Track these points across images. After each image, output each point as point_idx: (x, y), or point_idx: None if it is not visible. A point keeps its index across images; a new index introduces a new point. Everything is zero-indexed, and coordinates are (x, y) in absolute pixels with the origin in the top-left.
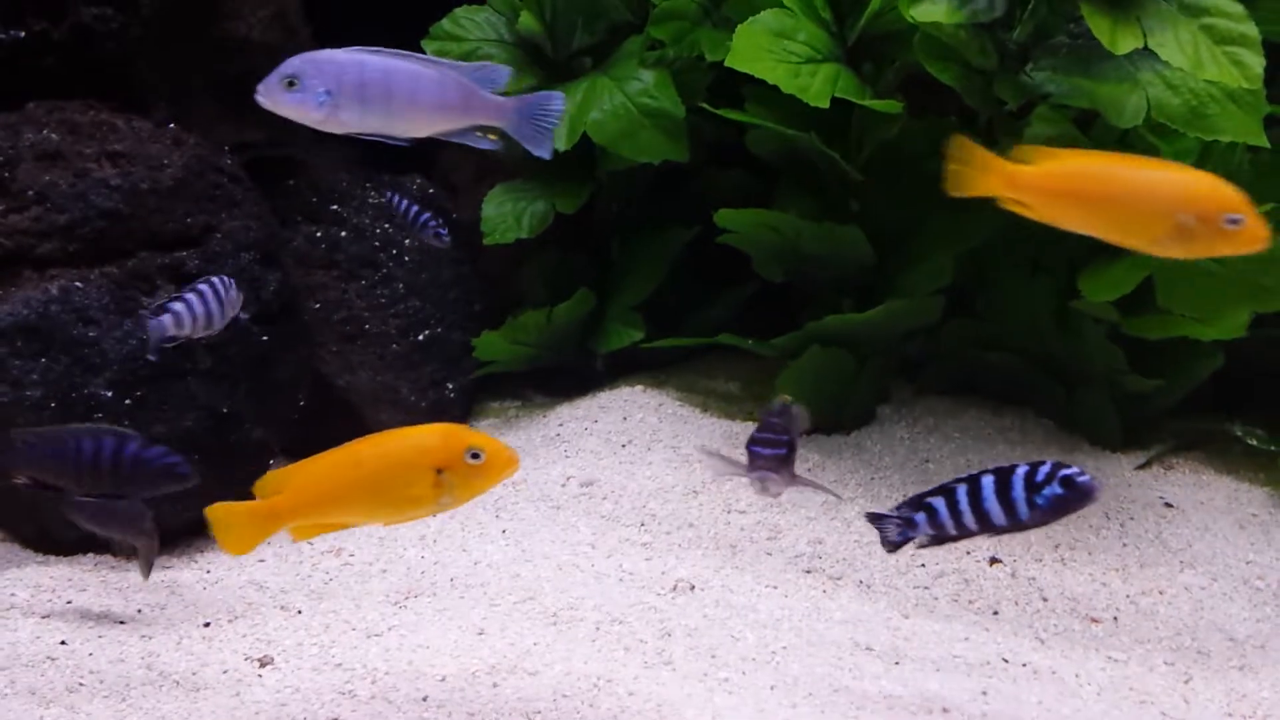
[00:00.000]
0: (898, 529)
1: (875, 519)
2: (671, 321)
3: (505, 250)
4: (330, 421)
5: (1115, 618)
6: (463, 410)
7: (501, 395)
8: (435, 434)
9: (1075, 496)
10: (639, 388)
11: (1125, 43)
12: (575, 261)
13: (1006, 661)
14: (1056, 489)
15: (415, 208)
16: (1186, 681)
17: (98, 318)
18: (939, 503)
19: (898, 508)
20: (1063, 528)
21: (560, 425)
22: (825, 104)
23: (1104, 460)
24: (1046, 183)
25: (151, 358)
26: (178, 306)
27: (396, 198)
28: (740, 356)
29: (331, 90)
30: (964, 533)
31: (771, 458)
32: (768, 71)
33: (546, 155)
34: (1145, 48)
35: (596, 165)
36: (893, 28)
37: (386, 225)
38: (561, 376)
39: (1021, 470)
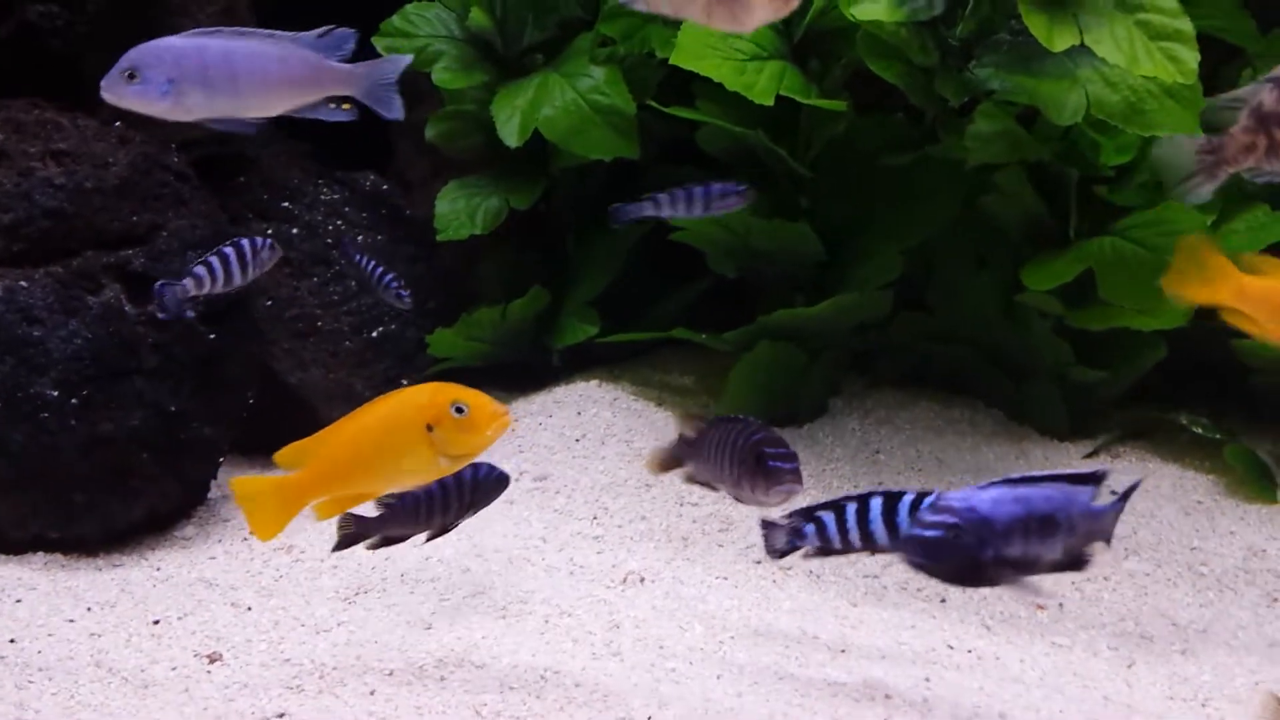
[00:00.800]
0: (786, 538)
1: (766, 526)
2: (626, 316)
3: (460, 246)
4: (283, 419)
5: (1060, 604)
6: None
7: None
8: (423, 391)
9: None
10: (594, 382)
11: (1062, 40)
12: (530, 258)
13: (951, 648)
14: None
15: (379, 268)
16: (1129, 666)
17: (42, 317)
18: (828, 517)
19: (788, 517)
20: None
21: (515, 420)
22: (770, 101)
23: (1052, 449)
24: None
25: (163, 316)
26: (200, 270)
27: (361, 258)
28: (694, 351)
29: (174, 78)
30: (848, 548)
31: (793, 471)
32: (712, 69)
33: (398, 116)
34: (1083, 44)
35: (550, 162)
36: (837, 25)
37: (339, 221)
38: (517, 372)
39: (908, 497)
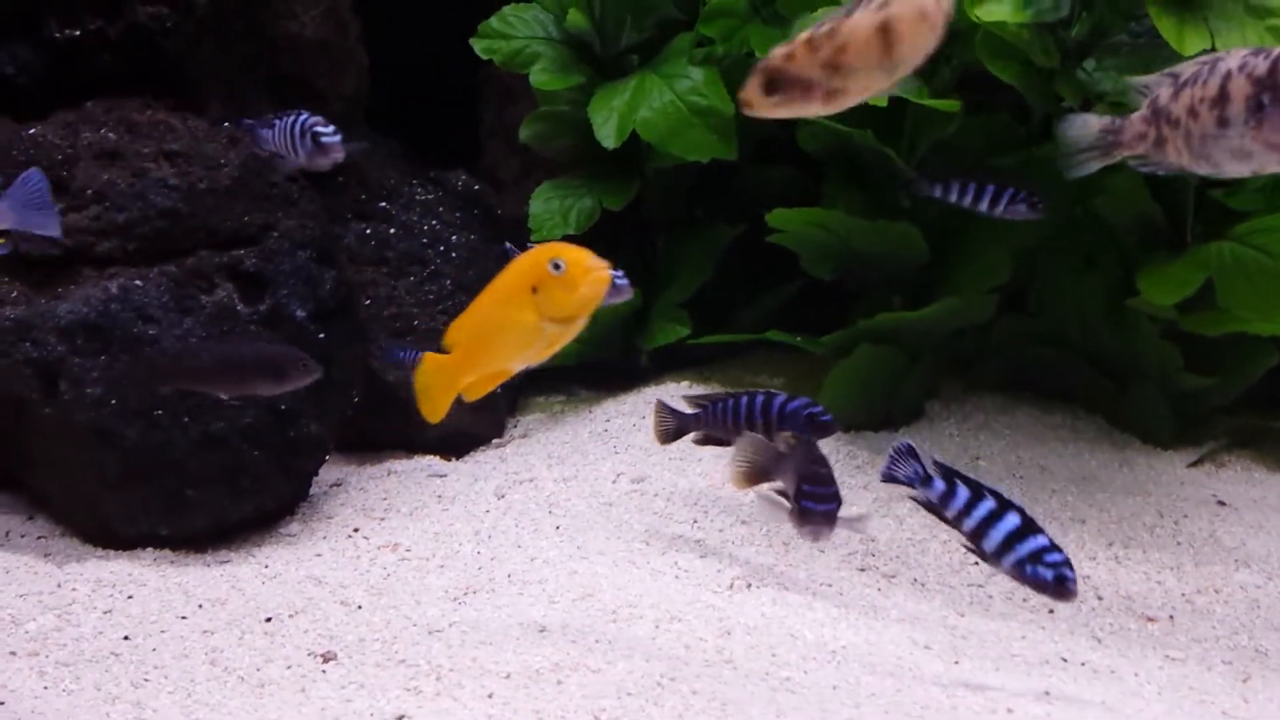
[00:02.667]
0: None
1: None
2: (717, 317)
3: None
4: (380, 416)
5: (1171, 616)
6: (509, 405)
7: (546, 390)
8: (529, 253)
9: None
10: (685, 383)
11: (1193, 43)
12: (621, 257)
13: (1065, 661)
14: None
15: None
16: (1245, 680)
17: (157, 315)
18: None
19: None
20: (1116, 525)
21: (608, 421)
22: (883, 102)
23: (1155, 458)
24: None
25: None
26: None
27: (399, 353)
28: (784, 352)
29: None
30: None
31: (824, 514)
32: None
33: (56, 234)
34: (1211, 48)
35: (644, 162)
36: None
37: (434, 222)
38: (607, 371)
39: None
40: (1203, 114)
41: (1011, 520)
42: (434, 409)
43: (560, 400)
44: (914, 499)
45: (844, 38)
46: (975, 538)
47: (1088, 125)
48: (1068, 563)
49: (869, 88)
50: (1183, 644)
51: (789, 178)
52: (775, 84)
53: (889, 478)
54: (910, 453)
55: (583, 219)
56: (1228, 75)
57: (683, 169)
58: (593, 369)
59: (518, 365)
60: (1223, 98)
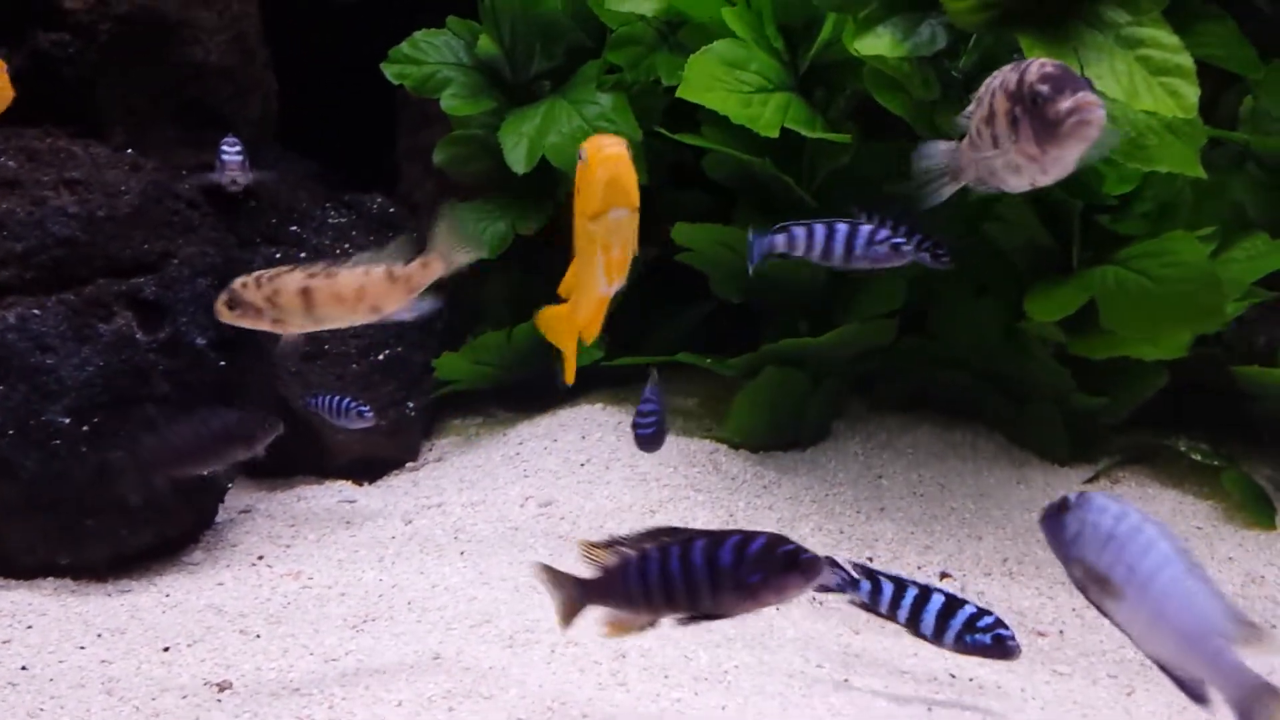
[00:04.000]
0: None
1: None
2: (632, 338)
3: (466, 269)
4: (290, 441)
5: (1061, 631)
6: (424, 428)
7: (465, 412)
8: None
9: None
10: (599, 405)
11: None
12: (535, 280)
13: (954, 676)
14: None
15: (335, 399)
16: (1129, 694)
17: (55, 345)
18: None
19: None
20: (1011, 542)
21: (520, 444)
22: (775, 133)
23: (1052, 474)
24: None
25: None
26: None
27: (313, 400)
28: (699, 373)
29: None
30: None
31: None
32: (719, 102)
33: None
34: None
35: (556, 187)
36: (843, 57)
37: (346, 245)
38: (524, 393)
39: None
40: (983, 134)
41: (937, 600)
42: (568, 352)
43: (477, 423)
44: (851, 602)
45: (277, 285)
46: (912, 625)
47: (936, 152)
48: (1000, 623)
49: (303, 325)
50: (1070, 658)
51: (701, 202)
52: (234, 303)
53: (821, 589)
54: (832, 563)
55: (496, 242)
56: (992, 93)
57: None
58: (508, 391)
59: (604, 286)
60: (991, 116)
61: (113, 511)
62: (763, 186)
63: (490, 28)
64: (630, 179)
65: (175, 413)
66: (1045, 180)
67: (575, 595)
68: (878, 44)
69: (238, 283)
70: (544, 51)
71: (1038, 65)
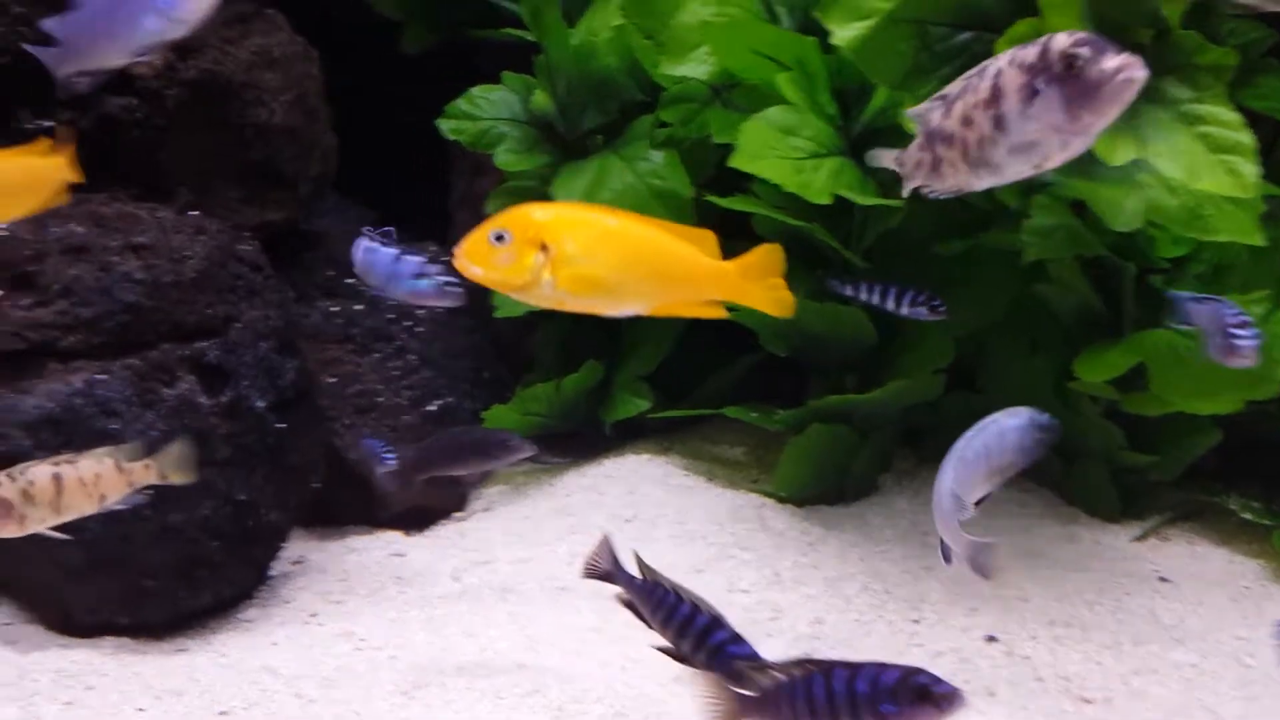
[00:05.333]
0: None
1: None
2: (678, 389)
3: (516, 317)
4: (341, 493)
5: (1108, 698)
6: (473, 478)
7: None
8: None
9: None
10: (645, 456)
11: (1123, 153)
12: (584, 329)
13: None
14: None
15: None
16: None
17: (120, 409)
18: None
19: None
20: (1058, 604)
21: (567, 496)
22: (828, 200)
23: (1101, 532)
24: None
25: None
26: None
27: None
28: (743, 424)
29: None
30: None
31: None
32: (770, 170)
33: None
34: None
35: None
36: (897, 121)
37: None
38: (571, 439)
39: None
40: (978, 119)
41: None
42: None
43: (523, 471)
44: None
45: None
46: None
47: (879, 160)
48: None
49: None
50: None
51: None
52: None
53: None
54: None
55: None
56: (998, 73)
57: None
58: (556, 438)
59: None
60: (996, 96)
61: (173, 574)
62: (811, 246)
63: (545, 84)
64: None
65: (238, 472)
66: (1050, 163)
67: (733, 710)
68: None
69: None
70: (598, 107)
71: (1066, 34)
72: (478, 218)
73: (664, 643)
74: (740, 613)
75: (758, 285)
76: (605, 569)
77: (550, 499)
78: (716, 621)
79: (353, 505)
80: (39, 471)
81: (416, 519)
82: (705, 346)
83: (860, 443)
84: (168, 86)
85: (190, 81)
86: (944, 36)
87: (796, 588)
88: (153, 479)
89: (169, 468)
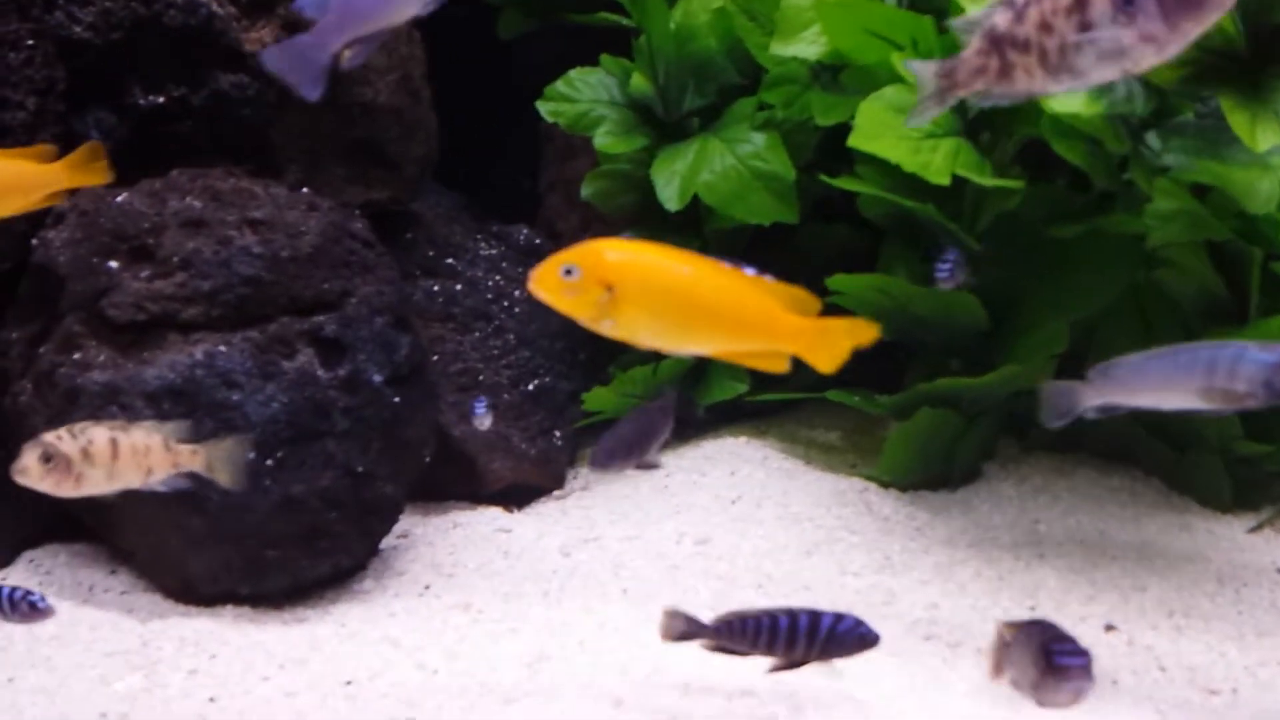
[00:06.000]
0: None
1: None
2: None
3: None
4: (444, 469)
5: (1234, 689)
6: (569, 456)
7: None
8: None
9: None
10: (743, 439)
11: (1265, 139)
12: None
13: None
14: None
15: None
16: None
17: (240, 381)
18: None
19: None
20: (1176, 594)
21: (667, 476)
22: (946, 181)
23: (1215, 522)
24: None
25: None
26: None
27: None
28: (838, 407)
29: None
30: None
31: (1084, 667)
32: (889, 149)
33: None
34: None
35: (702, 222)
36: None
37: (498, 277)
38: None
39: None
40: (1059, 25)
41: None
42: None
43: None
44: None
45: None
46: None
47: (923, 73)
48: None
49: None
50: (1246, 718)
51: (846, 237)
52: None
53: None
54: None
55: None
56: None
57: (741, 228)
58: None
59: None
60: (1081, 3)
61: (293, 543)
62: (917, 226)
63: (644, 66)
64: None
65: (356, 444)
66: (1139, 68)
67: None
68: (1073, 103)
69: (48, 436)
70: (697, 89)
71: None
72: (569, 200)
73: (777, 663)
74: (853, 596)
75: (827, 350)
76: (684, 629)
77: (649, 479)
78: (813, 613)
79: (455, 481)
80: (97, 433)
81: (517, 495)
82: None
83: (966, 429)
84: None
85: None
86: None
87: (908, 572)
88: (198, 466)
89: (216, 461)
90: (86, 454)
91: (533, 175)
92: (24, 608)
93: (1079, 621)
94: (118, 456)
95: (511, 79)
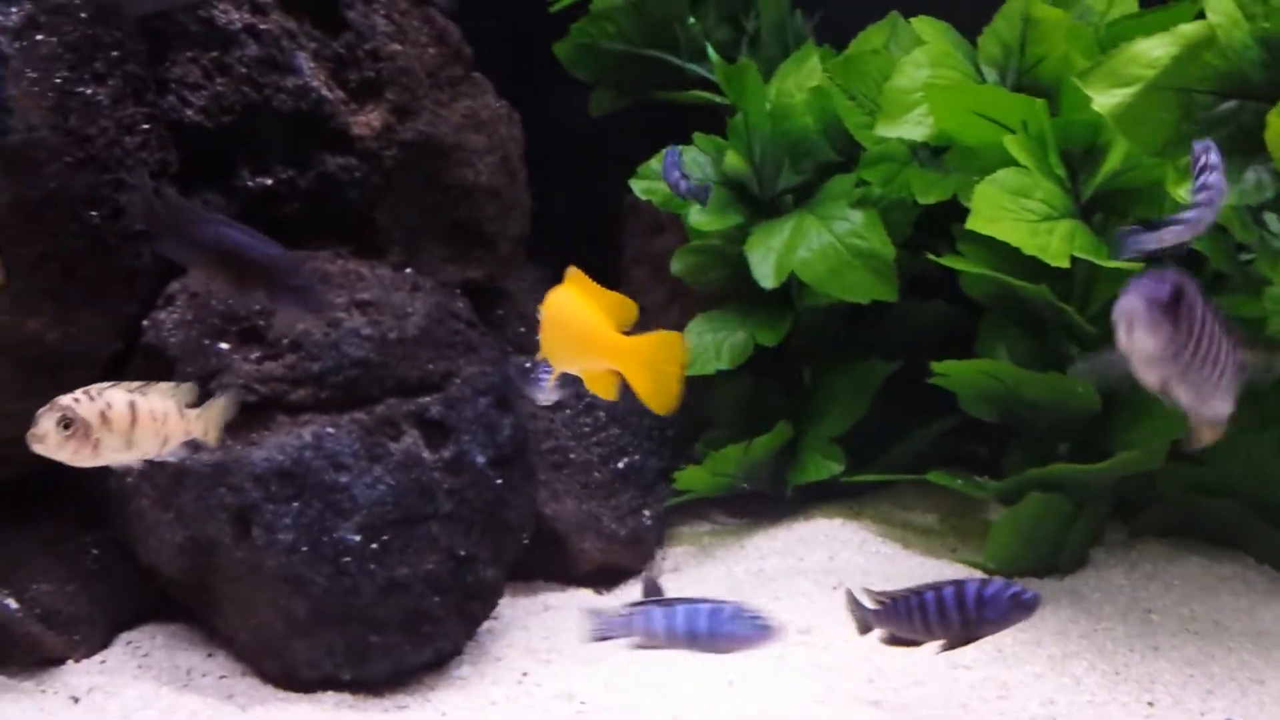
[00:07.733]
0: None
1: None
2: (866, 451)
3: (693, 375)
4: (534, 549)
5: None
6: (658, 536)
7: (691, 518)
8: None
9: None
10: (838, 520)
11: None
12: (767, 388)
13: None
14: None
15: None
16: None
17: (348, 463)
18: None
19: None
20: None
21: (762, 559)
22: (1065, 263)
23: None
24: None
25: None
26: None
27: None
28: (934, 486)
29: None
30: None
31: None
32: (1008, 232)
33: None
34: None
35: (795, 298)
36: (1130, 185)
37: None
38: (747, 499)
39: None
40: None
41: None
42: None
43: (705, 530)
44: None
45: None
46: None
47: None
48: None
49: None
50: None
51: (943, 313)
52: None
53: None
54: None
55: (735, 354)
56: None
57: (835, 305)
58: (738, 498)
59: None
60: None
61: (397, 628)
62: (1023, 305)
63: (739, 144)
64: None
65: (459, 527)
66: None
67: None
68: None
69: (65, 399)
70: (792, 167)
71: None
72: (655, 274)
73: (941, 644)
74: (966, 690)
75: (651, 370)
76: (862, 616)
77: (743, 561)
78: (958, 583)
79: (545, 561)
80: (116, 395)
81: (606, 577)
82: (897, 408)
83: (1075, 514)
84: (386, 147)
85: (406, 143)
86: (1208, 105)
87: (1020, 665)
88: (197, 433)
89: (210, 424)
90: (105, 418)
91: (615, 249)
92: None
93: (1199, 717)
94: (136, 422)
95: (592, 151)
